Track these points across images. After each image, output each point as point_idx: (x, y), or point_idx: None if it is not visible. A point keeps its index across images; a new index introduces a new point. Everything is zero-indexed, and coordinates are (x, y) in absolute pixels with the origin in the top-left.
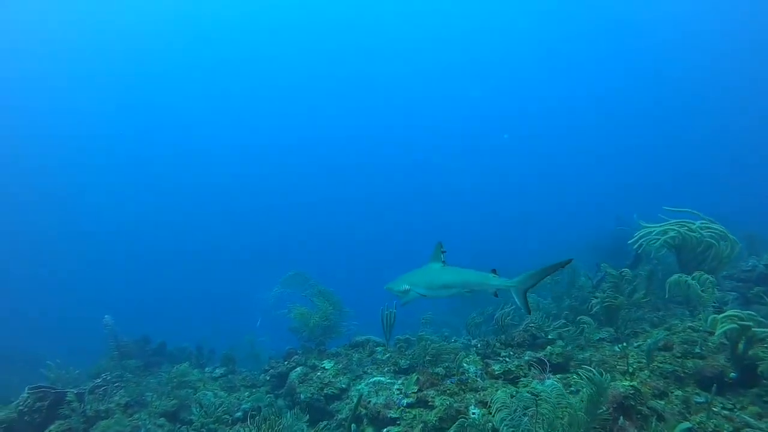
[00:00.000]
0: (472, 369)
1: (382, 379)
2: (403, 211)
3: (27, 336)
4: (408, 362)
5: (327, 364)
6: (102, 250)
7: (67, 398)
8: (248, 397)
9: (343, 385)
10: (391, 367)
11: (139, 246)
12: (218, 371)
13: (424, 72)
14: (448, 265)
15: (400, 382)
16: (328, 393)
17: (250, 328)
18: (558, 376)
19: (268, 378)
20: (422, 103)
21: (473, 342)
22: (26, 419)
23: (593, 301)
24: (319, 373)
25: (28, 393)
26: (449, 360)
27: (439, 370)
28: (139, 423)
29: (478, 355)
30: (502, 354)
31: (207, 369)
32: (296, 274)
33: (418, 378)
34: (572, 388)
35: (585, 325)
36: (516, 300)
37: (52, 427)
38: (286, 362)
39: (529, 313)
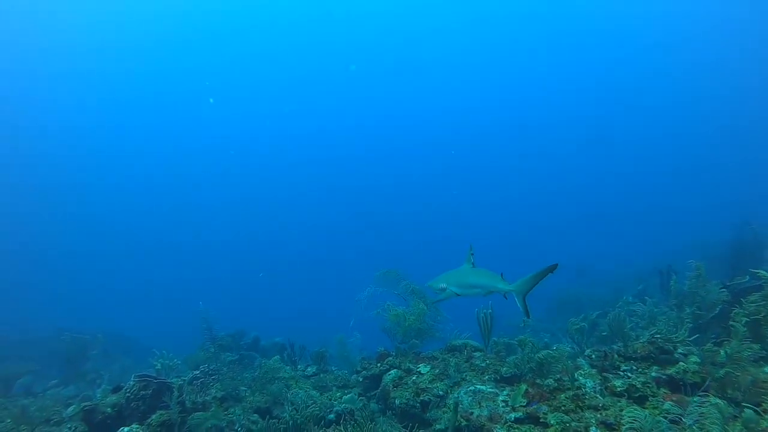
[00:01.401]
0: (590, 384)
1: (483, 387)
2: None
3: (138, 321)
4: (511, 370)
5: (423, 368)
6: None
7: (168, 389)
8: (340, 397)
9: (441, 392)
10: (492, 375)
11: (236, 242)
12: (310, 369)
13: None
14: (476, 267)
15: (505, 393)
16: (425, 399)
17: (340, 326)
18: (695, 398)
19: (360, 379)
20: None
21: (587, 352)
22: (132, 406)
23: (736, 312)
24: (414, 378)
25: (134, 381)
26: (558, 370)
27: (550, 381)
28: (234, 418)
29: (593, 368)
30: (623, 368)
31: (299, 367)
32: (389, 271)
33: (526, 389)
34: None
35: (726, 339)
36: (517, 303)
37: (153, 416)
38: (379, 364)
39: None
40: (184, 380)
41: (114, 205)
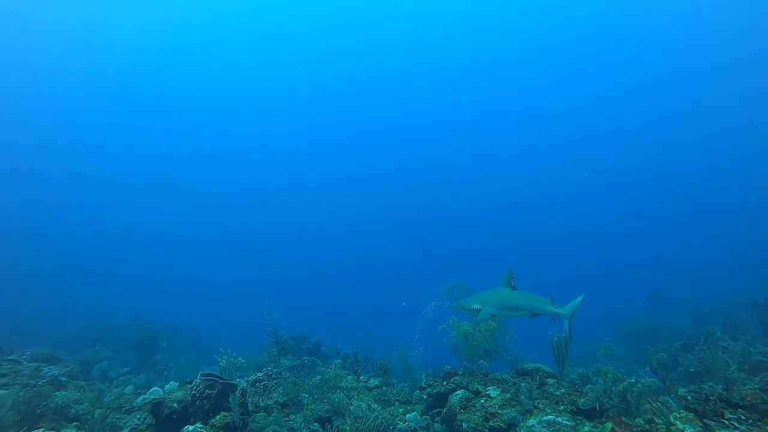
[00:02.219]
0: (689, 430)
1: (558, 419)
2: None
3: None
4: (589, 403)
5: (492, 391)
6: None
7: (233, 390)
8: (403, 414)
9: (511, 419)
10: (568, 406)
11: (294, 245)
12: (373, 382)
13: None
14: (517, 290)
15: (586, 429)
16: (494, 426)
17: (403, 339)
18: None
19: (425, 396)
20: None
21: (681, 391)
22: (197, 404)
23: None
24: (482, 401)
25: (200, 379)
26: (647, 410)
27: (640, 422)
28: (295, 425)
29: (689, 411)
30: (728, 416)
31: (362, 378)
32: (455, 286)
33: (612, 429)
34: None
35: None
36: (565, 325)
37: (217, 417)
38: (445, 383)
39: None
40: (248, 381)
41: (182, 200)
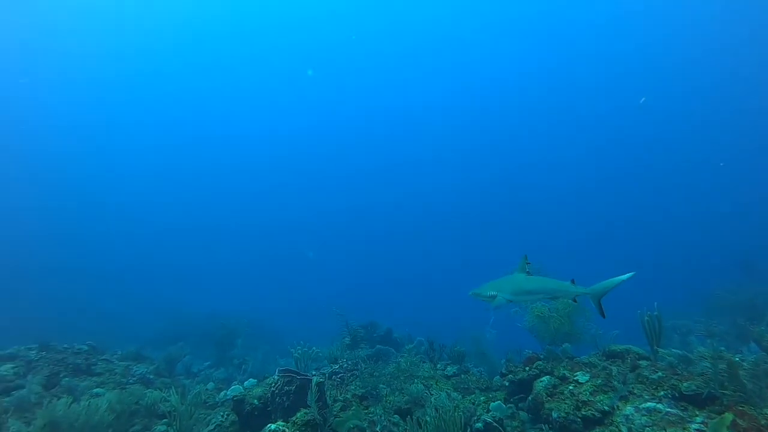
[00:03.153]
0: None
1: (659, 406)
2: None
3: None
4: (694, 387)
5: (581, 376)
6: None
7: (310, 386)
8: (484, 402)
9: (605, 407)
10: (669, 391)
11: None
12: (450, 369)
13: None
14: (531, 275)
15: (699, 420)
16: (587, 415)
17: (475, 322)
18: None
19: (506, 384)
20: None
21: None
22: (277, 401)
23: None
24: (571, 387)
25: (278, 376)
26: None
27: None
28: (375, 418)
29: None
30: None
31: (438, 366)
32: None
33: (733, 420)
34: None
35: None
36: (593, 305)
37: (298, 414)
38: (527, 368)
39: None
40: (324, 374)
41: (228, 195)
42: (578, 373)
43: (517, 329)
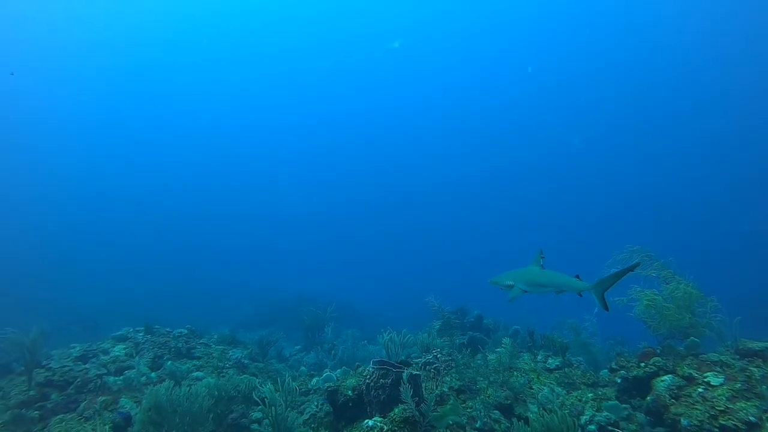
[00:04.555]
0: None
1: None
2: None
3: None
4: None
5: (712, 378)
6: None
7: (405, 379)
8: (593, 399)
9: (751, 418)
10: None
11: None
12: (552, 362)
13: None
14: (545, 269)
15: None
16: (727, 425)
17: (573, 310)
18: None
19: (618, 380)
20: None
21: None
22: (372, 394)
23: None
24: (700, 390)
25: (373, 368)
26: None
27: None
28: (474, 413)
29: None
30: None
31: (539, 357)
32: (637, 250)
33: None
34: None
35: None
36: (595, 300)
37: (396, 410)
38: (642, 364)
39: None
40: (418, 364)
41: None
42: (708, 373)
43: (620, 320)
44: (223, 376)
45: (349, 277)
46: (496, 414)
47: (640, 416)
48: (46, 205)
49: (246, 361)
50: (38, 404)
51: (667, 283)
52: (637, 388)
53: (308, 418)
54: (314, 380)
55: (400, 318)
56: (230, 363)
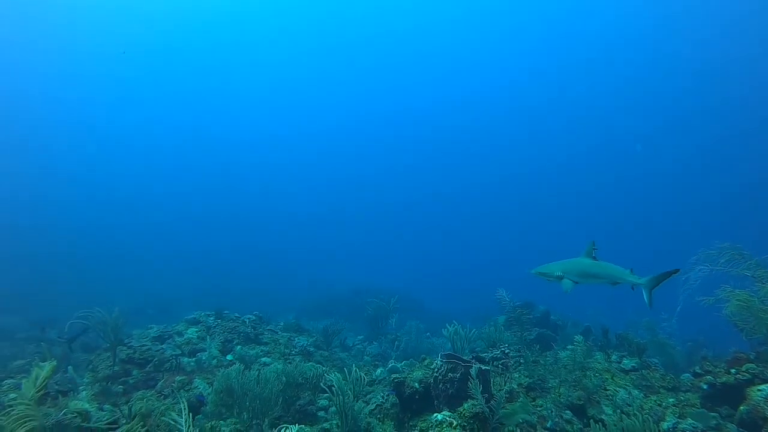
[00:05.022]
0: None
1: None
2: None
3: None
4: None
5: None
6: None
7: (474, 374)
8: (674, 405)
9: None
10: None
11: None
12: (627, 362)
13: None
14: (598, 260)
15: None
16: None
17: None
18: None
19: (704, 386)
20: None
21: None
22: (440, 387)
23: None
24: None
25: (442, 361)
26: None
27: None
28: (545, 413)
29: None
30: None
31: (613, 357)
32: (727, 247)
33: None
34: None
35: None
36: (643, 295)
37: (465, 405)
38: (733, 371)
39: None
40: (484, 359)
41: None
42: None
43: (700, 319)
44: (290, 363)
45: (406, 270)
46: (568, 414)
47: (731, 427)
48: (135, 205)
49: (311, 349)
50: (121, 379)
51: (764, 284)
52: (726, 396)
53: (374, 409)
54: (378, 371)
55: (460, 311)
56: (296, 350)
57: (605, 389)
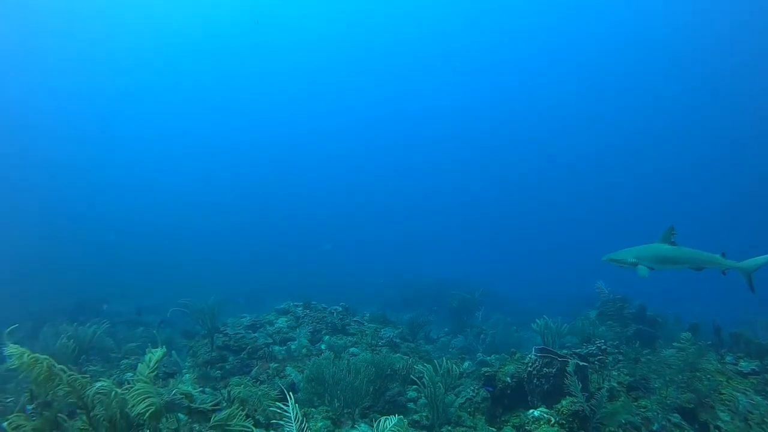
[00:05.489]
0: None
1: None
2: None
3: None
4: None
5: None
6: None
7: (572, 370)
8: None
9: None
10: None
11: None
12: (745, 365)
13: None
14: (677, 245)
15: None
16: None
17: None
18: None
19: None
20: None
21: None
22: (535, 382)
23: None
24: None
25: (536, 356)
26: None
27: None
28: (650, 414)
29: None
30: None
31: (727, 359)
32: None
33: None
34: None
35: None
36: (743, 279)
37: (564, 402)
38: None
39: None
40: (577, 354)
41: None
42: None
43: None
44: (377, 354)
45: (488, 263)
46: (676, 417)
47: None
48: (220, 205)
49: (397, 341)
50: (219, 364)
51: None
52: None
53: (464, 402)
54: (466, 364)
55: (545, 305)
56: (383, 341)
57: (720, 393)
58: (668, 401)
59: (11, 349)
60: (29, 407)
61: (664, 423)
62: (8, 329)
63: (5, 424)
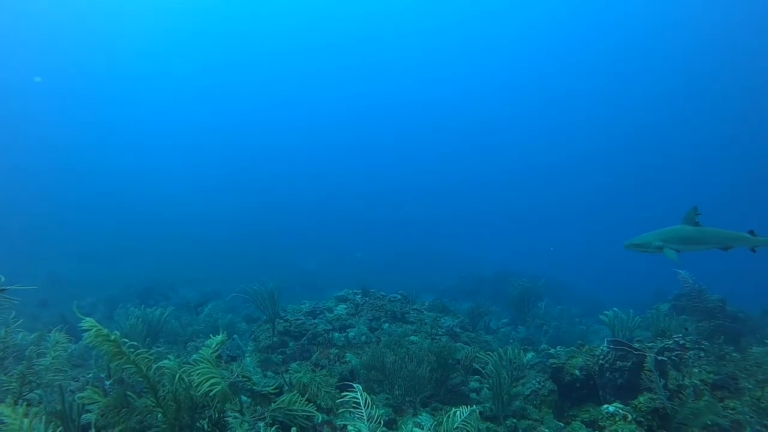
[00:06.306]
0: None
1: None
2: None
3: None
4: None
5: None
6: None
7: (652, 365)
8: None
9: None
10: None
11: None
12: None
13: None
14: (701, 226)
15: None
16: None
17: None
18: None
19: None
20: None
21: None
22: (607, 376)
23: None
24: None
25: (608, 348)
26: None
27: None
28: (741, 418)
29: None
30: None
31: None
32: None
33: None
34: None
35: None
36: None
37: (641, 398)
38: None
39: None
40: (653, 349)
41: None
42: None
43: None
44: (437, 342)
45: (550, 253)
46: None
47: None
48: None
49: (457, 330)
50: (280, 349)
51: None
52: None
53: (529, 394)
54: (529, 355)
55: (610, 296)
56: (442, 330)
57: None
58: (762, 404)
59: (87, 323)
60: (107, 383)
61: (758, 428)
62: (79, 303)
63: (78, 397)
